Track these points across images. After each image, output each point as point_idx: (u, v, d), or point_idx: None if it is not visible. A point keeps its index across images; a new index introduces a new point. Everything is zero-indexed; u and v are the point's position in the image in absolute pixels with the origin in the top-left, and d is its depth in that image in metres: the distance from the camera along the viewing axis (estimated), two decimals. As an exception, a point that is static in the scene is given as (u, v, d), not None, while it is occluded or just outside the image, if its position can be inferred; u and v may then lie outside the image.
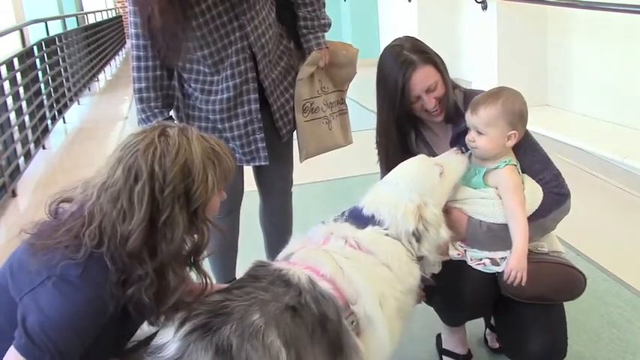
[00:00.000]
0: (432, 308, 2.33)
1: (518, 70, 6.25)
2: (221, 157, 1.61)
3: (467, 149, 2.19)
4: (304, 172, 3.03)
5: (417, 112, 2.27)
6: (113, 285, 1.49)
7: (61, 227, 1.54)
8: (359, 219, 1.94)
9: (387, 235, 1.88)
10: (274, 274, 1.74)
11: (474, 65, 7.05)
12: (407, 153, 2.28)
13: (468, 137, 2.13)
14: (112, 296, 1.49)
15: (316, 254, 1.83)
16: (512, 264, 2.00)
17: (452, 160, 2.10)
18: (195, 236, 1.59)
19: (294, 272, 1.74)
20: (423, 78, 2.17)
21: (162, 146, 1.52)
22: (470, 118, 2.11)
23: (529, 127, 2.16)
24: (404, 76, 2.15)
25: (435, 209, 1.94)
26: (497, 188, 2.11)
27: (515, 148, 2.15)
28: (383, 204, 1.93)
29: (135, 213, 1.48)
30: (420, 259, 1.92)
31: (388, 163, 2.29)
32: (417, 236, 1.89)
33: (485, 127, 2.08)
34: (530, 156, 2.17)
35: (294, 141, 2.83)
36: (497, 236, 2.07)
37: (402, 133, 2.32)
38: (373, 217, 1.91)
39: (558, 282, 2.14)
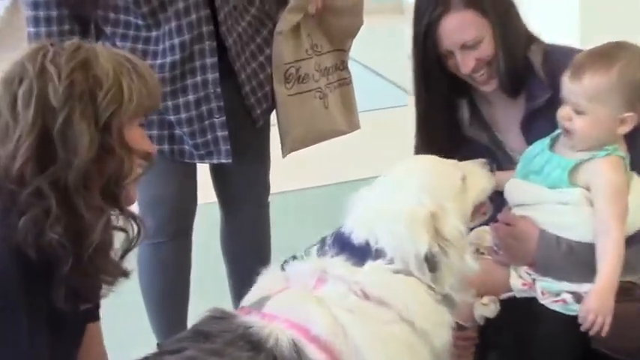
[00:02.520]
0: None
1: (612, 20, 6.17)
2: (138, 65, 1.73)
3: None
4: (288, 173, 3.01)
5: (454, 71, 2.30)
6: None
7: None
8: (351, 251, 1.93)
9: (395, 271, 1.87)
10: (236, 330, 1.72)
11: (543, 11, 6.99)
12: (452, 140, 2.33)
13: (561, 113, 2.10)
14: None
15: (306, 303, 1.82)
16: (590, 302, 2.00)
17: (475, 171, 2.11)
18: (110, 163, 1.68)
19: (269, 331, 1.72)
20: (455, 28, 2.20)
21: (56, 48, 1.64)
22: (568, 86, 2.09)
23: None
24: (430, 17, 2.20)
25: (457, 221, 1.93)
26: (588, 190, 2.10)
27: (628, 138, 2.14)
28: (378, 220, 1.93)
29: (19, 120, 1.58)
30: (443, 297, 1.92)
31: (425, 150, 2.32)
32: (432, 262, 1.87)
33: (588, 103, 2.05)
34: None
35: (272, 127, 2.83)
36: (583, 261, 2.06)
37: (445, 106, 2.38)
38: (368, 244, 1.90)
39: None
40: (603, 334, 1.99)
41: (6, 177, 1.60)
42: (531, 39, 2.34)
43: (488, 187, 2.11)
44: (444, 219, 1.90)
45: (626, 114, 2.07)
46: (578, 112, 2.07)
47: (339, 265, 1.91)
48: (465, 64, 2.22)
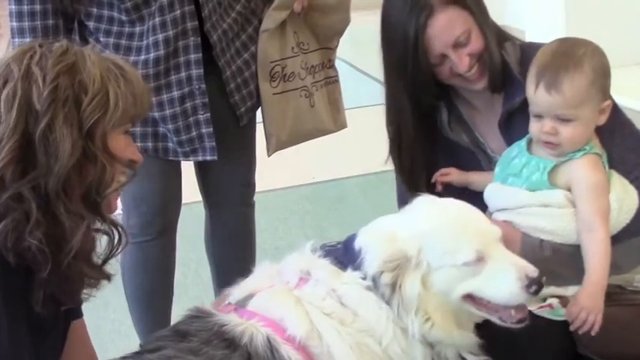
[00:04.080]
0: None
1: (596, 14, 6.19)
2: (127, 71, 1.73)
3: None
4: (274, 171, 3.02)
5: (445, 79, 2.27)
6: None
7: None
8: (345, 252, 1.94)
9: (367, 287, 1.86)
10: (212, 329, 1.74)
11: (528, 6, 7.02)
12: (432, 142, 2.30)
13: (544, 129, 2.07)
14: None
15: (285, 301, 1.83)
16: (581, 300, 1.99)
17: (503, 268, 1.92)
18: (92, 170, 1.68)
19: (244, 328, 1.74)
20: (445, 26, 2.17)
21: (44, 50, 1.64)
22: (546, 100, 2.05)
23: (616, 98, 2.15)
24: (416, 24, 2.15)
25: (418, 285, 1.83)
26: (569, 190, 2.09)
27: (599, 130, 2.14)
28: (372, 232, 1.93)
29: (1, 122, 1.58)
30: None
31: (402, 158, 2.30)
32: (380, 288, 1.85)
33: (574, 110, 2.04)
34: (620, 141, 2.16)
35: (257, 125, 2.82)
36: (569, 262, 2.06)
37: (423, 112, 2.33)
38: (359, 252, 1.90)
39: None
40: (593, 332, 1.98)
41: None
42: (505, 35, 2.32)
43: (500, 296, 1.90)
44: (413, 271, 1.84)
45: (604, 103, 2.09)
46: (564, 122, 2.06)
47: (322, 266, 1.91)
48: (461, 62, 2.19)
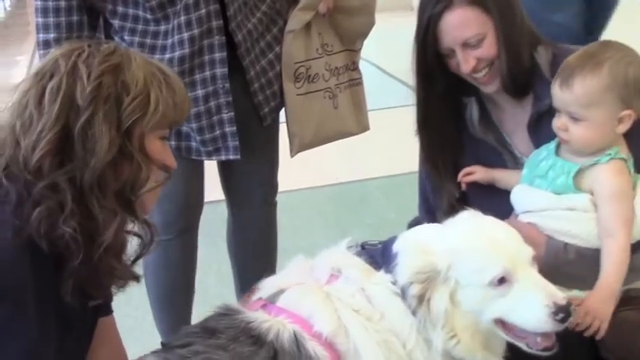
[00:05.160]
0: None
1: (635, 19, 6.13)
2: (170, 78, 1.78)
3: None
4: (297, 172, 3.01)
5: (455, 71, 2.30)
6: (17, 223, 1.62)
7: None
8: (383, 252, 1.96)
9: (396, 293, 1.86)
10: (239, 326, 1.76)
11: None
12: (456, 146, 2.34)
13: (557, 124, 2.11)
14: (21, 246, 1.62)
15: (313, 298, 1.85)
16: (588, 304, 1.98)
17: (531, 299, 1.88)
18: (127, 169, 1.72)
19: (270, 325, 1.75)
20: (457, 24, 2.19)
21: (92, 49, 1.69)
22: (559, 96, 2.08)
23: None
24: (432, 12, 2.19)
25: (447, 300, 1.82)
26: (593, 194, 2.09)
27: (628, 136, 2.13)
28: (413, 245, 1.91)
29: (43, 114, 1.63)
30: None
31: (430, 161, 2.34)
32: (407, 299, 1.84)
33: (584, 110, 2.05)
34: None
35: (281, 125, 2.82)
36: (592, 266, 2.05)
37: (450, 106, 2.37)
38: (396, 256, 1.91)
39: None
40: (598, 337, 1.99)
41: (25, 167, 1.64)
42: (538, 40, 2.32)
43: (525, 321, 1.84)
44: (441, 286, 1.83)
45: (623, 112, 2.06)
46: (575, 120, 2.07)
47: (354, 264, 1.93)
48: (466, 62, 2.21)
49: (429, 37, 2.21)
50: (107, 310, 2.00)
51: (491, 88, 2.28)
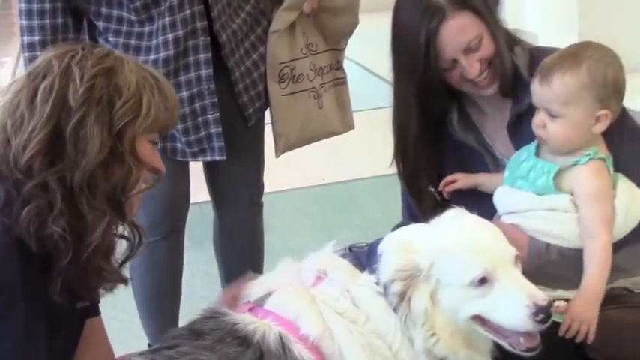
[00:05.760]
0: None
1: (610, 18, 6.15)
2: (162, 83, 1.81)
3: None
4: (282, 173, 3.01)
5: (455, 84, 2.28)
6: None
7: None
8: (368, 254, 1.97)
9: (379, 293, 1.87)
10: (225, 327, 1.77)
11: (542, 11, 6.99)
12: (438, 144, 2.31)
13: (536, 121, 2.11)
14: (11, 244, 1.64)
15: (300, 301, 1.86)
16: (573, 309, 1.99)
17: (512, 307, 1.87)
18: (118, 170, 1.73)
19: (256, 326, 1.76)
20: (456, 31, 2.17)
21: (86, 52, 1.71)
22: (538, 92, 2.09)
23: (627, 103, 2.14)
24: (428, 29, 2.15)
25: (427, 300, 1.82)
26: (573, 195, 2.09)
27: (607, 136, 2.13)
28: (396, 244, 1.92)
29: (35, 113, 1.65)
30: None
31: (406, 160, 2.30)
32: (389, 297, 1.85)
33: (561, 108, 2.06)
34: (628, 147, 2.17)
35: (266, 126, 2.81)
36: (575, 266, 2.05)
37: (431, 116, 2.34)
38: (380, 257, 1.92)
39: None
40: (589, 341, 1.99)
41: (15, 166, 1.65)
42: (514, 41, 2.32)
43: (506, 320, 1.84)
44: (423, 284, 1.83)
45: (600, 112, 2.06)
46: (553, 117, 2.08)
47: (340, 267, 1.94)
48: (472, 67, 2.19)
49: (431, 55, 2.16)
50: (95, 311, 2.00)
51: (491, 89, 2.26)
